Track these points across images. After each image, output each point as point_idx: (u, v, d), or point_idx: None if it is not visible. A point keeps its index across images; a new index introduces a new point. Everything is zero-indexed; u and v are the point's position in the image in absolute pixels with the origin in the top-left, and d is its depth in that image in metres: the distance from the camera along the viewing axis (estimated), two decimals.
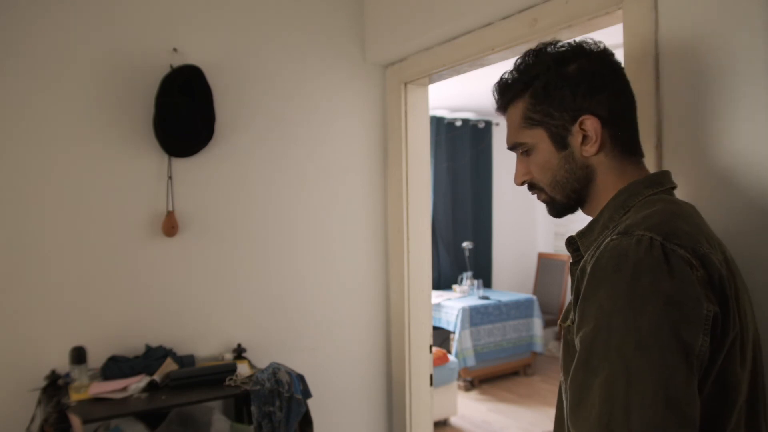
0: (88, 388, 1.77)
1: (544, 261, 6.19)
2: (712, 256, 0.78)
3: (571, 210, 1.02)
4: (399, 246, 2.47)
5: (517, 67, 1.01)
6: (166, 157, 2.05)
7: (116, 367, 1.88)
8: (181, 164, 2.09)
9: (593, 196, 0.98)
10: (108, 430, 1.78)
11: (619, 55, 1.08)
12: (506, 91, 1.02)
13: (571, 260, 0.97)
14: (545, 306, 5.80)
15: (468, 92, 4.89)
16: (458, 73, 2.25)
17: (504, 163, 6.29)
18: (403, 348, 2.45)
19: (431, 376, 2.52)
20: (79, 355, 1.82)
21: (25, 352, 1.86)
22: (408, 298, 2.45)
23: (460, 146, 5.98)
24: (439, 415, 4.21)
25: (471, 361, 4.92)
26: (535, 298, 5.45)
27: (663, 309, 0.73)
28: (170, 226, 2.04)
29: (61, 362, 1.85)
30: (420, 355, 2.48)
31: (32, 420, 1.79)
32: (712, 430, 0.78)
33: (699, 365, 0.73)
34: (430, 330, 2.54)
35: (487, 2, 1.84)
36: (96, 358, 1.90)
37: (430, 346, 2.53)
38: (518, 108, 1.00)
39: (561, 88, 0.94)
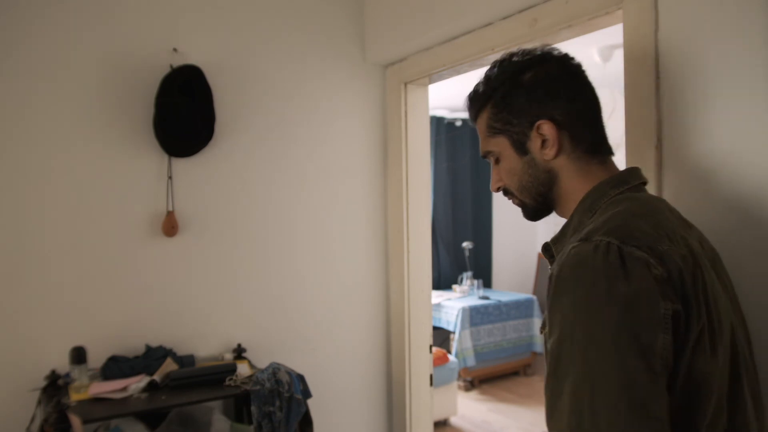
0: (88, 388, 1.77)
1: (544, 261, 6.19)
2: (672, 253, 0.79)
3: (543, 213, 1.05)
4: (399, 246, 2.47)
5: (483, 79, 1.05)
6: (166, 157, 2.05)
7: (116, 367, 1.88)
8: (181, 164, 2.09)
9: (561, 198, 1.00)
10: (108, 430, 1.78)
11: (619, 55, 1.08)
12: (473, 104, 1.06)
13: (550, 267, 0.98)
14: (545, 306, 5.80)
15: (468, 92, 4.88)
16: (458, 73, 2.25)
17: None
18: (403, 348, 2.45)
19: (431, 376, 2.52)
20: (79, 355, 1.82)
21: (25, 352, 1.86)
22: (408, 298, 2.45)
23: (460, 146, 5.98)
24: (439, 415, 4.21)
25: (471, 361, 4.92)
26: (535, 298, 5.45)
27: (620, 314, 0.75)
28: (170, 226, 2.04)
29: (61, 362, 1.85)
30: (420, 355, 2.48)
31: (32, 420, 1.79)
32: (688, 425, 0.78)
33: (663, 364, 0.75)
34: (430, 330, 2.54)
35: (487, 2, 1.84)
36: (96, 358, 1.90)
37: (430, 346, 2.53)
38: (483, 118, 1.04)
39: (518, 96, 0.98)
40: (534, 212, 1.05)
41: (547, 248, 1.00)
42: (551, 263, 0.97)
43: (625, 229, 0.81)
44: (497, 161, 1.05)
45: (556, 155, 0.97)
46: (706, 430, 0.78)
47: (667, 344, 0.75)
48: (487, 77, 1.03)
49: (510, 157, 1.02)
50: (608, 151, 1.00)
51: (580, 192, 0.96)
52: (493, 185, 1.08)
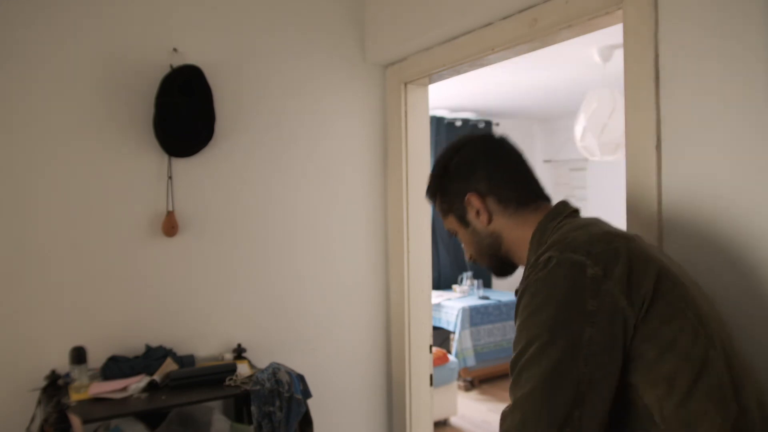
0: (88, 388, 1.77)
1: None
2: (608, 253, 0.91)
3: (507, 268, 1.20)
4: (399, 246, 2.47)
5: (430, 174, 1.26)
6: (166, 157, 2.05)
7: (116, 367, 1.88)
8: (181, 164, 2.09)
9: (512, 251, 1.15)
10: (108, 430, 1.78)
11: (619, 55, 1.09)
12: (428, 196, 1.27)
13: None
14: None
15: (468, 92, 4.89)
16: (458, 73, 2.25)
17: None
18: (403, 348, 2.45)
19: (431, 376, 2.52)
20: (79, 355, 1.82)
21: (25, 352, 1.86)
22: (408, 298, 2.45)
23: None
24: (439, 415, 4.21)
25: (471, 361, 4.92)
26: None
27: (555, 313, 0.89)
28: (170, 226, 2.04)
29: (61, 362, 1.85)
30: (420, 355, 2.48)
31: (32, 420, 1.79)
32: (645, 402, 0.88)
33: (588, 354, 0.86)
34: (430, 330, 2.54)
35: (487, 2, 1.84)
36: (96, 358, 1.89)
37: (430, 346, 2.52)
38: (437, 205, 1.25)
39: (449, 181, 1.19)
40: (497, 270, 1.21)
41: (517, 291, 1.10)
42: None
43: (564, 241, 0.95)
44: (456, 235, 1.23)
45: (490, 219, 1.15)
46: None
47: (594, 337, 0.86)
48: (431, 173, 1.25)
49: (461, 231, 1.21)
50: (540, 198, 1.16)
51: (524, 240, 1.11)
52: (466, 257, 1.26)
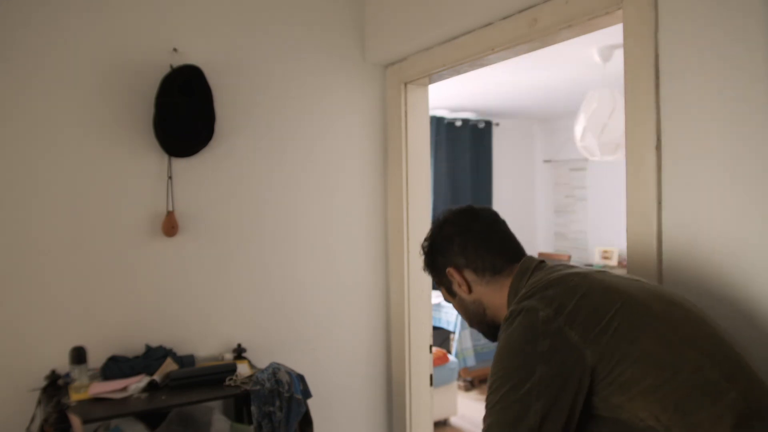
0: (88, 388, 1.77)
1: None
2: (559, 293, 1.01)
3: (496, 332, 1.24)
4: (399, 246, 2.47)
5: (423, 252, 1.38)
6: (166, 157, 2.05)
7: (116, 367, 1.88)
8: (181, 164, 2.09)
9: (497, 315, 1.24)
10: (108, 430, 1.78)
11: (619, 55, 1.09)
12: (424, 269, 1.39)
13: None
14: None
15: (468, 92, 4.88)
16: (458, 73, 2.25)
17: (504, 163, 6.29)
18: (403, 348, 2.45)
19: (431, 376, 2.52)
20: (79, 355, 1.82)
21: (25, 352, 1.86)
22: (408, 298, 2.45)
23: (460, 146, 5.98)
24: (439, 415, 4.20)
25: (471, 361, 4.92)
26: None
27: (510, 357, 1.00)
28: (170, 226, 2.04)
29: (61, 362, 1.85)
30: (420, 355, 2.48)
31: (32, 420, 1.79)
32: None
33: (540, 391, 0.94)
34: (430, 330, 2.54)
35: (487, 2, 1.84)
36: (96, 358, 1.89)
37: (430, 346, 2.52)
38: (434, 278, 1.37)
39: (433, 258, 1.33)
40: (488, 334, 1.31)
41: None
42: None
43: (524, 294, 1.06)
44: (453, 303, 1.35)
45: (470, 290, 1.26)
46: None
47: (545, 375, 0.94)
48: (423, 251, 1.37)
49: (452, 300, 1.33)
50: (512, 260, 1.23)
51: (504, 303, 1.21)
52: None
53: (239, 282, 2.22)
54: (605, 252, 5.74)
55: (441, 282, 1.33)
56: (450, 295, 1.32)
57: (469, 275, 1.25)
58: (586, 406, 0.95)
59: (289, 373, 1.90)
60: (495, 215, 1.32)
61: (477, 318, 1.29)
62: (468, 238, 1.26)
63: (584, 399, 0.94)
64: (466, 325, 4.90)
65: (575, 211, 6.22)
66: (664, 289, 1.11)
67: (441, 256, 1.29)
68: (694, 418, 0.88)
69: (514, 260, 1.24)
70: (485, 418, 1.00)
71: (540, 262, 1.20)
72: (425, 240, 1.35)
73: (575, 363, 0.94)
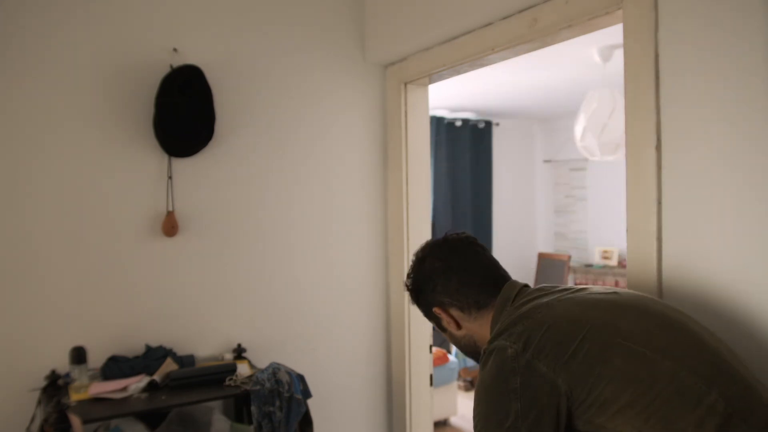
0: (88, 388, 1.77)
1: (544, 261, 6.19)
2: (528, 327, 1.02)
3: None
4: (399, 246, 2.47)
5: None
6: (166, 157, 2.05)
7: (116, 367, 1.88)
8: (181, 164, 2.09)
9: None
10: (108, 430, 1.78)
11: (619, 55, 1.09)
12: (413, 303, 1.36)
13: None
14: None
15: (468, 92, 4.88)
16: (458, 73, 2.25)
17: (504, 163, 6.29)
18: (403, 348, 2.45)
19: (431, 376, 2.52)
20: (79, 355, 1.82)
21: (25, 352, 1.86)
22: (408, 298, 2.44)
23: (460, 146, 5.97)
24: (439, 415, 4.20)
25: (471, 361, 4.92)
26: None
27: (485, 396, 1.03)
28: (170, 226, 2.04)
29: (61, 362, 1.85)
30: (420, 355, 2.48)
31: (32, 420, 1.79)
32: None
33: (522, 422, 0.96)
34: (430, 330, 2.53)
35: (487, 2, 1.84)
36: (96, 358, 1.89)
37: (430, 346, 2.52)
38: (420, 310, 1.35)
39: (420, 294, 1.30)
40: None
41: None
42: None
43: (496, 330, 1.08)
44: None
45: (459, 326, 1.25)
46: None
47: (521, 410, 0.97)
48: (407, 286, 1.34)
49: (443, 333, 1.32)
50: (496, 292, 1.21)
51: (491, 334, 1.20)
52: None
53: (239, 282, 2.22)
54: (605, 252, 5.73)
55: (428, 317, 1.32)
56: (440, 329, 1.32)
57: (456, 313, 1.25)
58: (570, 430, 0.98)
59: (289, 373, 1.89)
60: (473, 243, 1.29)
61: (470, 350, 1.28)
62: (449, 276, 1.25)
63: (566, 423, 0.97)
64: None
65: (575, 211, 6.21)
66: (641, 298, 1.12)
67: (425, 295, 1.28)
68: (677, 425, 0.90)
69: (496, 291, 1.23)
70: None
71: (521, 288, 1.20)
72: (408, 277, 1.34)
73: (549, 393, 0.96)
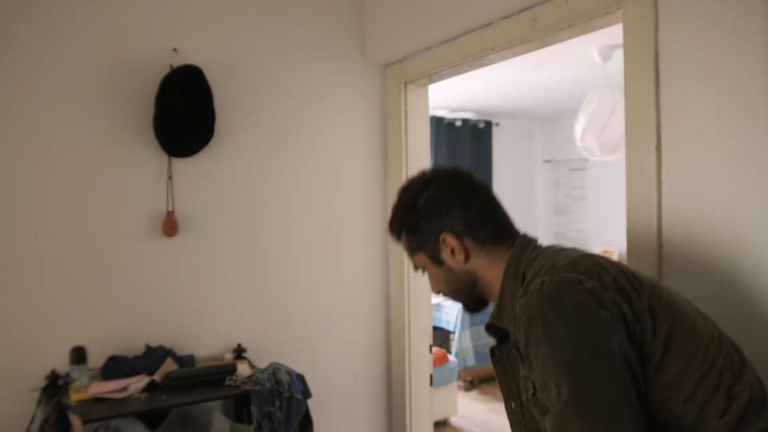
0: (88, 388, 1.77)
1: None
2: (594, 266, 0.93)
3: (480, 304, 1.18)
4: (399, 246, 2.47)
5: (392, 209, 1.21)
6: (166, 157, 2.05)
7: (116, 367, 1.88)
8: (181, 164, 2.09)
9: (487, 288, 1.13)
10: (108, 430, 1.78)
11: (619, 55, 1.09)
12: (391, 231, 1.22)
13: (495, 343, 1.13)
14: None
15: (468, 92, 4.88)
16: (458, 73, 2.25)
17: (504, 163, 6.29)
18: (403, 348, 2.45)
19: (431, 376, 2.52)
20: (79, 355, 1.82)
21: (25, 352, 1.86)
22: (408, 298, 2.45)
23: (460, 146, 5.98)
24: (439, 415, 4.20)
25: (471, 361, 4.92)
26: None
27: (574, 331, 0.87)
28: (170, 226, 2.04)
29: (61, 362, 1.85)
30: (420, 355, 2.48)
31: (32, 420, 1.79)
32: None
33: (625, 361, 0.85)
34: (430, 330, 2.54)
35: (487, 2, 1.84)
36: (96, 358, 1.89)
37: (430, 346, 2.52)
38: (402, 241, 1.20)
39: (419, 220, 1.14)
40: (471, 306, 1.19)
41: (491, 327, 1.11)
42: (497, 341, 1.13)
43: (551, 266, 0.96)
44: (425, 271, 1.20)
45: (467, 259, 1.12)
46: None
47: (622, 342, 0.86)
48: (394, 208, 1.20)
49: (432, 268, 1.17)
50: (510, 234, 1.14)
51: (499, 277, 1.10)
52: (433, 289, 1.22)
53: (239, 282, 2.22)
54: (605, 252, 5.73)
55: (420, 248, 1.16)
56: (434, 263, 1.16)
57: (468, 243, 1.11)
58: None
59: (289, 373, 1.90)
60: (484, 183, 1.18)
61: (465, 289, 1.15)
62: (469, 202, 1.12)
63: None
64: (467, 325, 4.94)
65: (575, 211, 6.22)
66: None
67: (430, 220, 1.12)
68: (709, 411, 0.87)
69: (511, 233, 1.14)
70: (566, 408, 0.84)
71: (536, 241, 1.12)
72: (400, 201, 1.18)
73: (634, 335, 0.88)
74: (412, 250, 1.18)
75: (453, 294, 1.18)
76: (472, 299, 1.17)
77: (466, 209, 1.12)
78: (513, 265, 1.07)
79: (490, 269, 1.11)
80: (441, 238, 1.12)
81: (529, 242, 1.10)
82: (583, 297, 0.88)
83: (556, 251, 1.04)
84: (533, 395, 0.98)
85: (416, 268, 1.21)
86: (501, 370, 1.15)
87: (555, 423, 0.86)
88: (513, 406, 1.15)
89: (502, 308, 1.08)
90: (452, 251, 1.12)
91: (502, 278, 1.09)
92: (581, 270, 0.91)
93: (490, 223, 1.13)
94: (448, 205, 1.12)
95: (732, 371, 0.91)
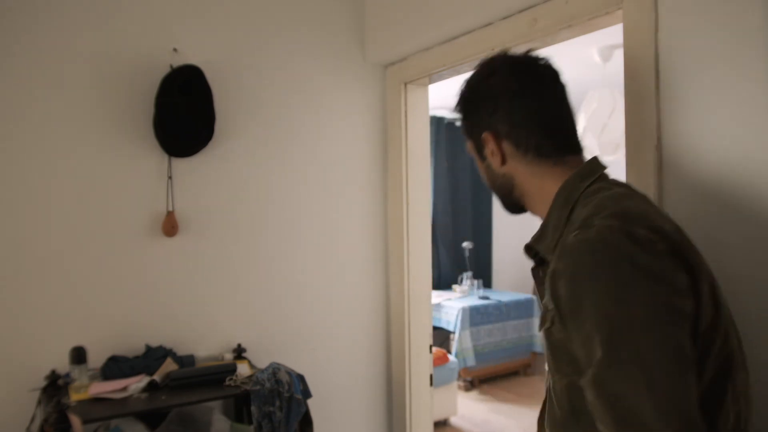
0: (88, 388, 1.77)
1: None
2: (666, 227, 0.83)
3: (515, 209, 1.11)
4: (399, 246, 2.47)
5: (459, 90, 1.13)
6: (166, 157, 2.05)
7: (116, 367, 1.88)
8: (181, 164, 2.09)
9: (525, 198, 1.06)
10: (108, 430, 1.78)
11: (619, 55, 1.09)
12: (456, 110, 1.14)
13: (533, 265, 1.05)
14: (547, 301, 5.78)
15: None
16: (458, 73, 2.25)
17: None
18: (403, 348, 2.45)
19: (431, 376, 2.52)
20: (79, 355, 1.82)
21: (25, 352, 1.86)
22: (408, 298, 2.45)
23: (460, 146, 5.98)
24: (439, 415, 4.21)
25: (471, 361, 4.92)
26: (535, 298, 5.45)
27: (651, 287, 0.77)
28: (170, 226, 2.04)
29: (61, 362, 1.85)
30: (420, 355, 2.48)
31: (32, 420, 1.79)
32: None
33: (692, 328, 0.79)
34: (430, 330, 2.54)
35: (487, 2, 1.84)
36: (96, 358, 1.89)
37: (430, 346, 2.53)
38: (462, 124, 1.14)
39: (474, 108, 1.08)
40: (507, 208, 1.13)
41: (529, 248, 1.04)
42: (536, 263, 1.04)
43: (621, 212, 0.83)
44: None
45: (503, 162, 1.04)
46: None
47: (692, 308, 0.79)
48: (460, 89, 1.12)
49: (477, 161, 1.12)
50: (568, 151, 1.02)
51: (543, 191, 1.01)
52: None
53: (239, 282, 2.22)
54: None
55: (470, 137, 1.11)
56: (478, 156, 1.10)
57: (508, 148, 1.03)
58: None
59: (289, 373, 1.90)
60: (559, 79, 1.05)
61: (501, 191, 1.09)
62: (518, 105, 1.02)
63: None
64: (467, 325, 4.94)
65: None
66: None
67: (480, 113, 1.06)
68: (736, 384, 0.84)
69: (569, 150, 1.02)
70: (611, 367, 0.75)
71: (605, 171, 0.99)
72: (465, 84, 1.11)
73: (689, 304, 0.79)
74: (466, 136, 1.13)
75: (492, 189, 1.13)
76: (507, 202, 1.11)
77: (515, 112, 1.02)
78: (567, 190, 0.97)
79: (530, 179, 1.03)
80: (482, 136, 1.05)
81: (595, 170, 0.98)
82: (658, 257, 0.78)
83: (624, 195, 0.91)
84: (548, 329, 0.90)
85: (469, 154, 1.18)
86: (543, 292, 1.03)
87: (595, 385, 0.77)
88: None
89: (545, 232, 0.99)
90: (491, 152, 1.05)
91: (553, 200, 0.98)
92: (653, 227, 0.81)
93: (539, 132, 1.01)
94: (498, 103, 1.03)
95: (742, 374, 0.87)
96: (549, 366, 0.95)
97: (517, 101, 1.02)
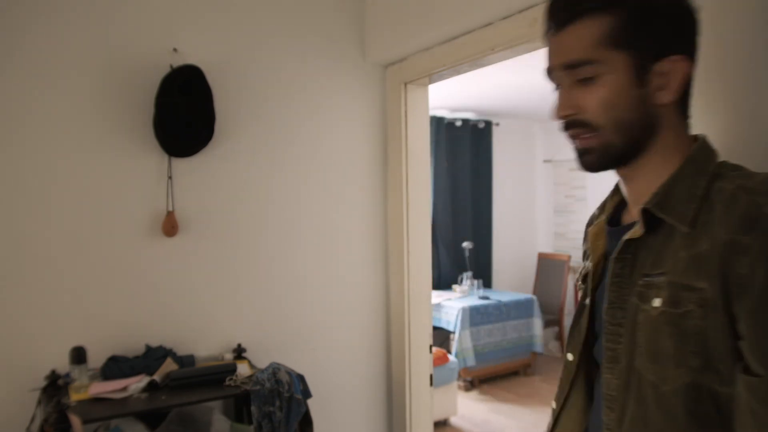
0: (88, 388, 1.77)
1: (544, 261, 6.19)
2: None
3: (619, 162, 0.86)
4: (399, 246, 2.47)
5: None
6: (166, 157, 2.05)
7: (116, 367, 1.88)
8: (181, 164, 2.09)
9: (649, 150, 0.84)
10: (108, 430, 1.78)
11: None
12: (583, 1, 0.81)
13: (636, 235, 0.84)
14: (545, 306, 5.80)
15: (468, 92, 4.89)
16: (458, 73, 2.25)
17: (504, 163, 6.29)
18: (403, 348, 2.45)
19: (431, 376, 2.52)
20: (79, 355, 1.82)
21: (25, 352, 1.86)
22: (408, 298, 2.45)
23: (460, 146, 5.98)
24: (439, 415, 4.21)
25: (471, 361, 4.92)
26: (535, 298, 5.46)
27: None
28: (170, 226, 2.04)
29: (61, 362, 1.85)
30: (420, 355, 2.48)
31: (32, 420, 1.79)
32: None
33: None
34: (430, 330, 2.54)
35: (487, 2, 1.84)
36: (96, 358, 1.89)
37: (430, 346, 2.53)
38: (599, 23, 0.80)
39: (661, 15, 0.80)
40: (612, 159, 0.85)
41: (647, 212, 0.82)
42: (647, 229, 0.83)
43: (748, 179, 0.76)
44: (588, 81, 0.82)
45: (670, 102, 0.81)
46: None
47: None
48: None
49: (617, 84, 0.80)
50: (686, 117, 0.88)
51: (675, 149, 0.84)
52: (561, 110, 0.86)
53: (239, 282, 2.22)
54: None
55: (628, 48, 0.79)
56: (635, 79, 0.80)
57: (686, 87, 0.83)
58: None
59: (289, 373, 1.90)
60: None
61: (634, 132, 0.82)
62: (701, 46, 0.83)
63: None
64: (467, 325, 4.95)
65: (575, 210, 6.22)
66: None
67: (677, 30, 0.82)
68: None
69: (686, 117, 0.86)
70: None
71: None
72: None
73: None
74: (613, 43, 0.79)
75: (615, 128, 0.82)
76: (628, 148, 0.84)
77: (699, 48, 0.83)
78: (703, 157, 0.82)
79: (669, 131, 0.83)
80: (668, 58, 0.79)
81: (711, 148, 0.86)
82: None
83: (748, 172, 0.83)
84: (684, 312, 0.75)
85: (577, 63, 0.81)
86: (619, 270, 0.86)
87: None
88: (617, 315, 0.85)
89: (670, 199, 0.80)
90: (660, 84, 0.80)
91: (683, 163, 0.82)
92: None
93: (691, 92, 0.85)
94: (696, 29, 0.83)
95: None
96: (652, 358, 0.78)
97: (701, 40, 0.83)
